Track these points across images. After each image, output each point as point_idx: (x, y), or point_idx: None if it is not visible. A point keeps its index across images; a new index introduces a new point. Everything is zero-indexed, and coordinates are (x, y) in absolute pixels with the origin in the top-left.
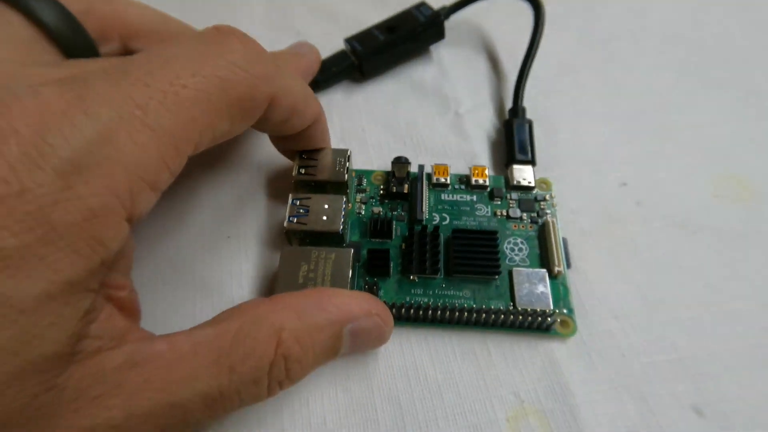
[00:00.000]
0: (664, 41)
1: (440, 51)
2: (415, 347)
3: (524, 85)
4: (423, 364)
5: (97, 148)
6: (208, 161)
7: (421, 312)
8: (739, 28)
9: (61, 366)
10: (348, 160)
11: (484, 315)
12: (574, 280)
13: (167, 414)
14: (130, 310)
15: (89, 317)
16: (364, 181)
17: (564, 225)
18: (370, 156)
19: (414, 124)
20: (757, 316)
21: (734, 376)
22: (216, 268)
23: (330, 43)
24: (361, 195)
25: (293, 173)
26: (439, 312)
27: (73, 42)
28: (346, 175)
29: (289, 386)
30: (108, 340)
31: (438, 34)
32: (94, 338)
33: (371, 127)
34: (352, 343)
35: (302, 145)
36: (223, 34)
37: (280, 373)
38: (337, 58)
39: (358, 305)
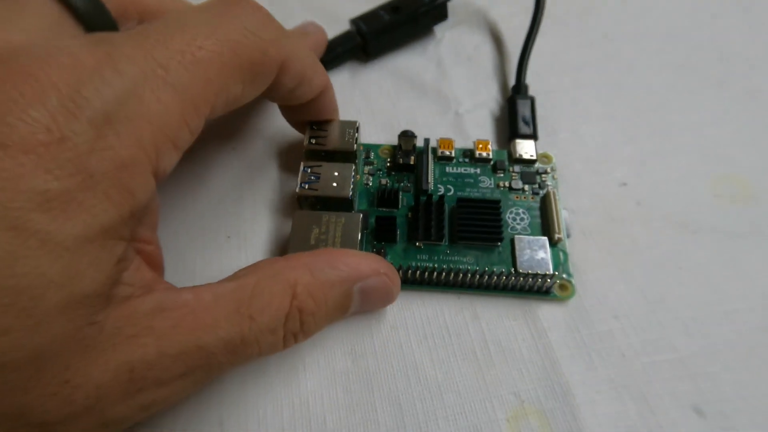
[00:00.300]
0: (664, 41)
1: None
2: (414, 346)
3: (527, 61)
4: (423, 364)
5: (125, 103)
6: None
7: (426, 274)
8: (739, 28)
9: (100, 305)
10: (357, 131)
11: (486, 277)
12: (574, 280)
13: (194, 356)
14: (156, 264)
15: (122, 265)
16: (372, 154)
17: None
18: (376, 131)
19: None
20: (757, 316)
21: (734, 376)
22: (216, 268)
23: None
24: (368, 167)
25: (304, 143)
26: (443, 274)
27: (96, 20)
28: (355, 145)
29: (303, 339)
30: (138, 288)
31: (441, 14)
32: (127, 285)
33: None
34: (361, 301)
35: (311, 116)
36: (234, 2)
37: (294, 325)
38: (342, 38)
39: (367, 265)
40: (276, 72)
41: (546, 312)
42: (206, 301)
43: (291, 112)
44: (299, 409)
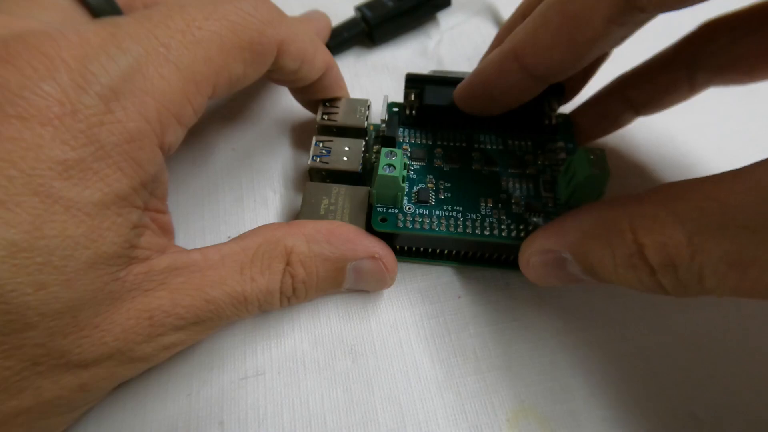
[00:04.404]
0: (663, 41)
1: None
2: (414, 346)
3: None
4: (423, 363)
5: (130, 79)
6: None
7: (429, 250)
8: None
9: (121, 264)
10: (368, 109)
11: (489, 252)
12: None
13: (203, 307)
14: (168, 231)
15: (138, 230)
16: (379, 130)
17: None
18: (383, 115)
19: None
20: (757, 318)
21: (733, 380)
22: None
23: None
24: (377, 146)
25: (317, 119)
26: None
27: (106, 12)
28: (366, 122)
29: (296, 302)
30: (153, 251)
31: (444, 1)
32: (143, 249)
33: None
34: (355, 279)
35: (320, 94)
36: None
37: (287, 290)
38: (347, 25)
39: (364, 247)
40: (275, 52)
41: (546, 313)
42: (213, 260)
43: (300, 93)
44: (299, 409)
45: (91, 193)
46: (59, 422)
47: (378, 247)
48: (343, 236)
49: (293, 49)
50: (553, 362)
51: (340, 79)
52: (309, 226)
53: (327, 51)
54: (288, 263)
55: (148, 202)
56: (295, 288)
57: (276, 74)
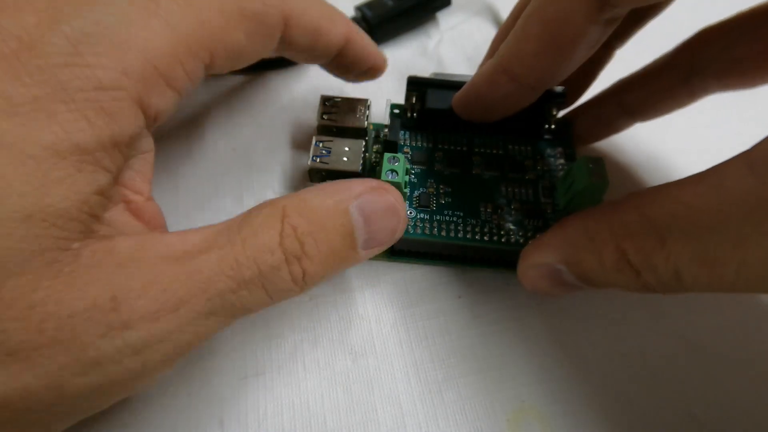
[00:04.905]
0: (664, 42)
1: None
2: (414, 346)
3: None
4: (423, 363)
5: (110, 27)
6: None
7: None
8: None
9: (75, 230)
10: (368, 109)
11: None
12: None
13: (187, 283)
14: (148, 219)
15: (103, 200)
16: (382, 134)
17: None
18: (384, 115)
19: None
20: (757, 319)
21: (733, 380)
22: None
23: None
24: (377, 146)
25: (317, 118)
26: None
27: None
28: (366, 122)
29: (311, 266)
30: (120, 232)
31: (444, 1)
32: (108, 225)
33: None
34: (365, 225)
35: (356, 67)
36: None
37: (293, 245)
38: None
39: (360, 183)
40: (281, 25)
41: (546, 312)
42: (194, 238)
43: (336, 71)
44: (299, 409)
45: (40, 135)
46: None
47: (374, 180)
48: (334, 184)
49: (303, 22)
50: (553, 362)
51: (369, 46)
52: (299, 192)
53: (347, 20)
54: (285, 215)
55: (124, 175)
56: (303, 242)
57: (289, 51)
